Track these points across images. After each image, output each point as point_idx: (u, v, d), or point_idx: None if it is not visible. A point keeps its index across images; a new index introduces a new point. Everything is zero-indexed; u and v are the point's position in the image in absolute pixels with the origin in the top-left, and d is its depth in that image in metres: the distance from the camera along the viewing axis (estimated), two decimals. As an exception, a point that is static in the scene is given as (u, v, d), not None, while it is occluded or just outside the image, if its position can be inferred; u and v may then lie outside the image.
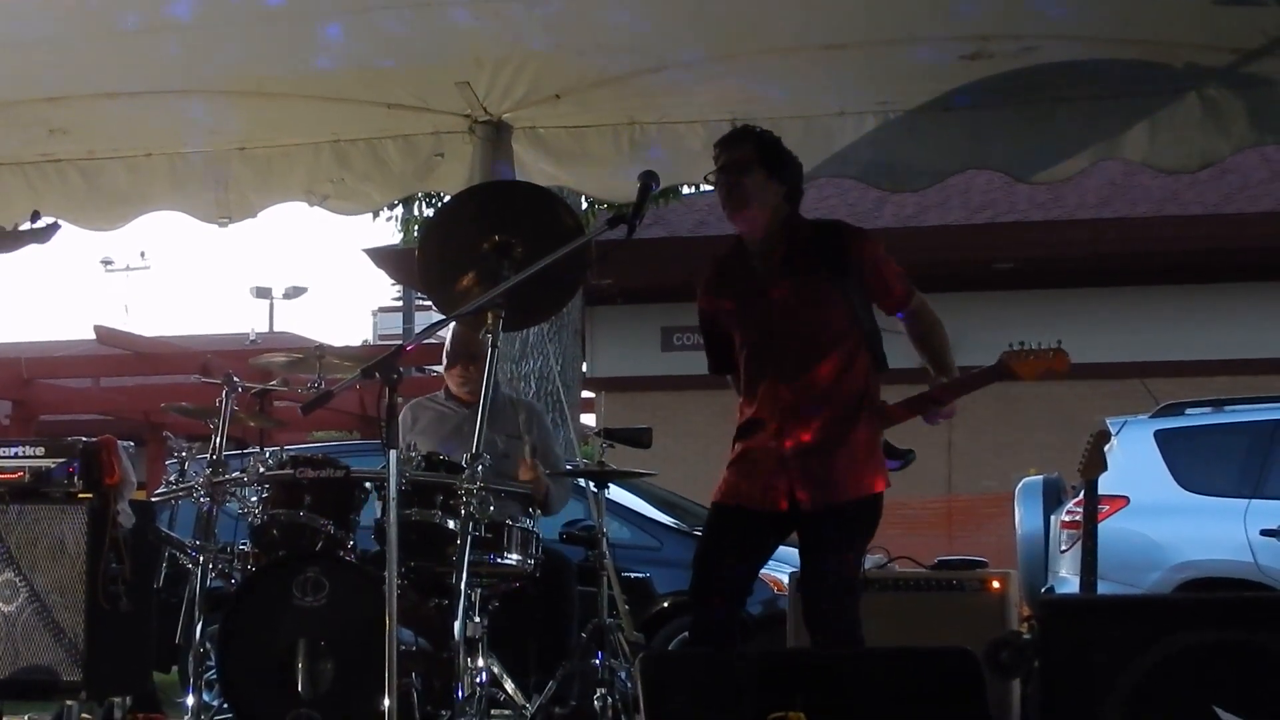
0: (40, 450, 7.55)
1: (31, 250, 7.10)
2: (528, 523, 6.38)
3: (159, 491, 6.91)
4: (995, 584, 6.78)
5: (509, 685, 6.43)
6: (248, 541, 6.34)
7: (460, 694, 5.72)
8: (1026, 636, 5.76)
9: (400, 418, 7.03)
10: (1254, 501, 9.78)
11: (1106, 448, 6.94)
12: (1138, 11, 6.31)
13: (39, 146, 7.67)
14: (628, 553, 9.52)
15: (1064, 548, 10.07)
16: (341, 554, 6.11)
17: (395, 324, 37.71)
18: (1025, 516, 11.01)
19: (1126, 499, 9.79)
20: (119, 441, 7.67)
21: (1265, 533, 9.58)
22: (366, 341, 42.35)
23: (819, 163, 7.17)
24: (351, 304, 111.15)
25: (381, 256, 20.58)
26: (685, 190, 17.60)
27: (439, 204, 12.82)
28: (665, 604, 9.80)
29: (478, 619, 6.13)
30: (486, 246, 5.97)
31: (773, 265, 5.62)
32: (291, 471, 6.22)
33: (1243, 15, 6.20)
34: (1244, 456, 10.12)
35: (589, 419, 20.01)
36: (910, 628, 6.57)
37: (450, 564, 5.84)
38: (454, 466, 6.10)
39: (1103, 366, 17.42)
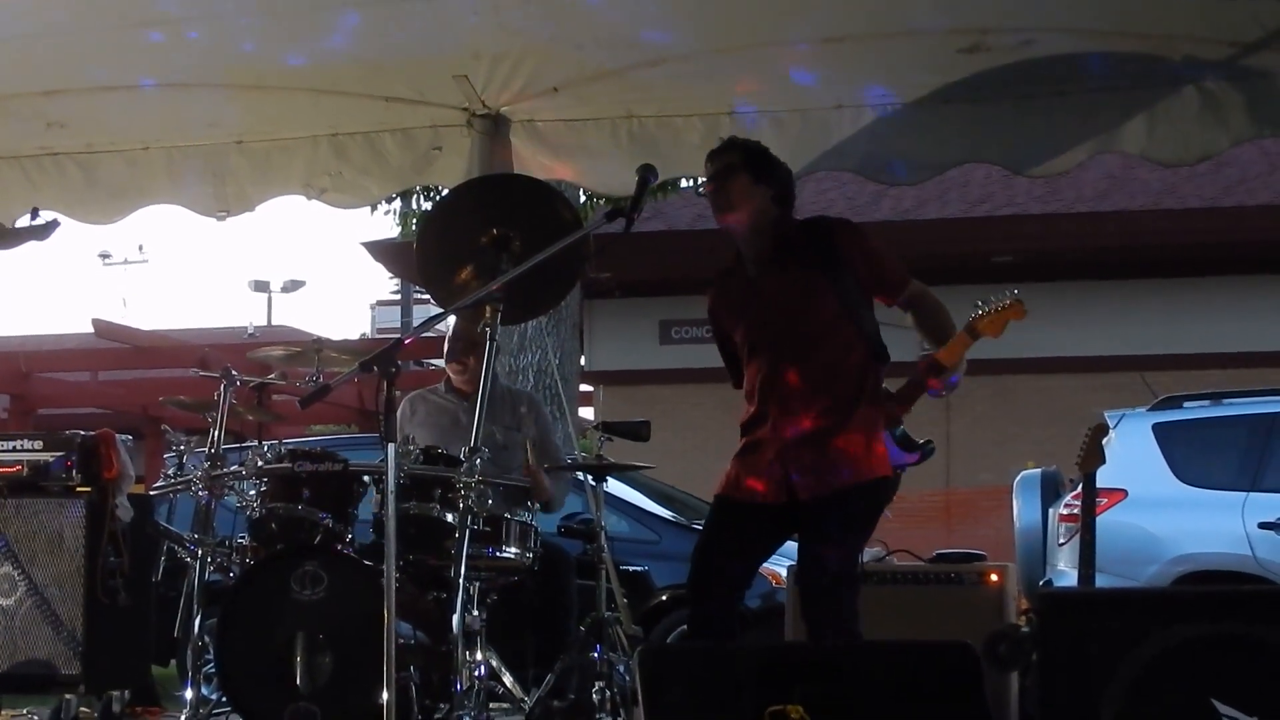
0: (38, 444, 7.56)
1: (32, 245, 7.10)
2: (526, 516, 6.39)
3: (157, 485, 6.91)
4: (993, 577, 6.78)
5: (507, 679, 6.43)
6: (246, 535, 6.34)
7: (459, 687, 5.73)
8: (1025, 629, 5.76)
9: (399, 411, 7.04)
10: (1252, 495, 9.78)
11: (1104, 441, 6.94)
12: (1135, 5, 6.32)
13: (37, 140, 7.67)
14: (626, 546, 9.50)
15: (1062, 541, 10.07)
16: (340, 547, 6.11)
17: (393, 317, 37.73)
18: (1023, 510, 11.01)
19: (1124, 492, 9.79)
20: (117, 435, 7.69)
21: (1263, 525, 9.58)
22: (364, 335, 42.42)
23: (817, 156, 7.18)
24: (349, 298, 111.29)
25: (380, 250, 20.57)
26: (683, 184, 17.62)
27: (437, 197, 12.83)
28: (664, 597, 9.80)
29: (476, 612, 6.14)
30: (485, 240, 5.97)
31: (762, 262, 5.66)
32: (290, 465, 6.21)
33: (1240, 8, 6.20)
34: (1242, 449, 10.12)
35: (587, 412, 19.99)
36: (908, 621, 6.57)
37: (449, 557, 5.85)
38: (452, 460, 6.10)
39: (1101, 360, 17.44)
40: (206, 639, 6.32)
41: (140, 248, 78.86)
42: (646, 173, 5.59)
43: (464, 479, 5.84)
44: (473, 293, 5.75)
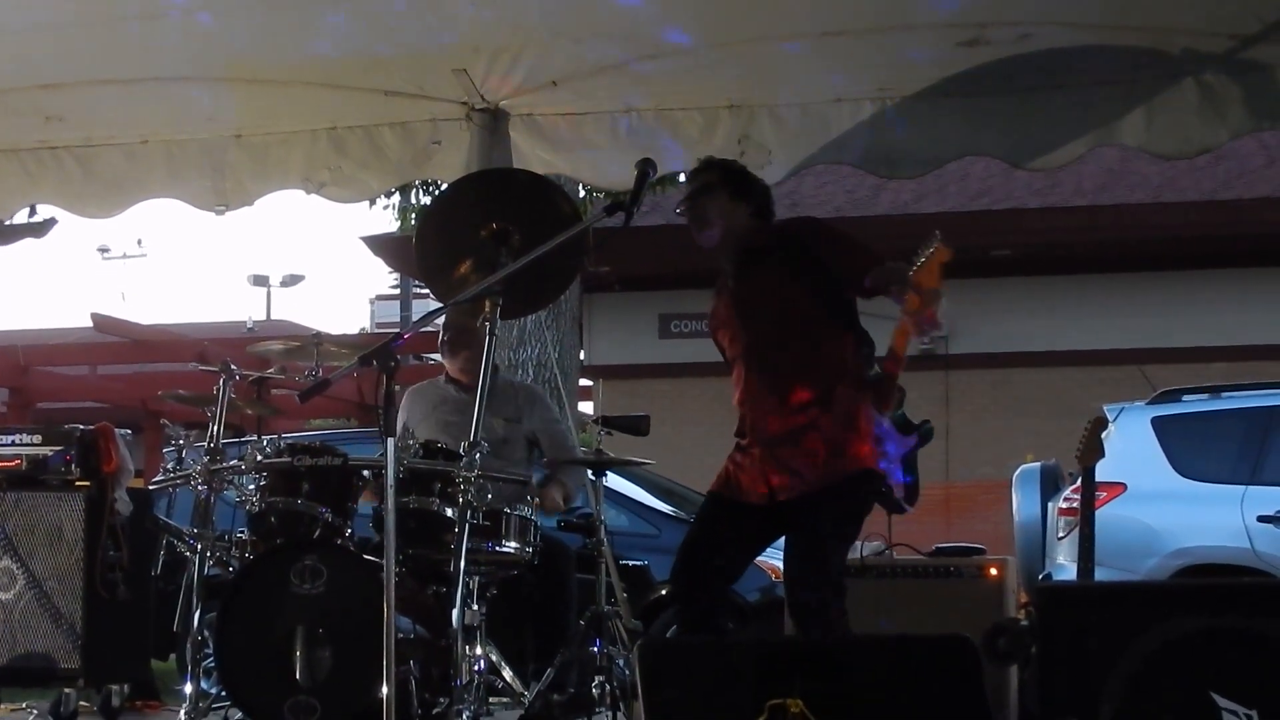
0: (38, 438, 7.56)
1: (29, 242, 7.10)
2: (526, 510, 6.39)
3: (156, 479, 6.92)
4: (993, 571, 6.79)
5: (507, 673, 6.43)
6: (245, 529, 6.34)
7: (458, 682, 5.73)
8: (1024, 623, 5.77)
9: (400, 403, 7.05)
10: (1251, 488, 9.78)
11: (1104, 434, 6.95)
12: (1134, -2, 6.33)
13: (36, 133, 7.66)
14: (626, 540, 9.50)
15: (1061, 535, 10.07)
16: (339, 542, 6.11)
17: (393, 312, 37.70)
18: (1023, 503, 11.01)
19: (1124, 486, 9.79)
20: (116, 429, 7.68)
21: (1262, 519, 9.58)
22: (364, 329, 42.33)
23: (816, 150, 7.19)
24: (349, 292, 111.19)
25: (379, 244, 20.57)
26: (682, 178, 17.60)
27: (436, 192, 12.82)
28: (663, 591, 9.79)
29: (476, 607, 6.14)
30: (484, 234, 5.97)
31: (739, 275, 5.74)
32: (289, 459, 6.21)
33: (1239, 1, 6.20)
34: (1241, 443, 10.12)
35: (587, 406, 20.00)
36: (908, 615, 6.58)
37: (448, 551, 5.85)
38: (452, 454, 6.10)
39: (1100, 353, 17.46)
40: (206, 633, 6.32)
41: (139, 242, 78.93)
42: (646, 166, 5.59)
43: (464, 473, 5.84)
44: (472, 287, 5.74)
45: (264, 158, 7.71)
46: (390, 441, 5.16)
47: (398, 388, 5.37)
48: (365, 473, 6.29)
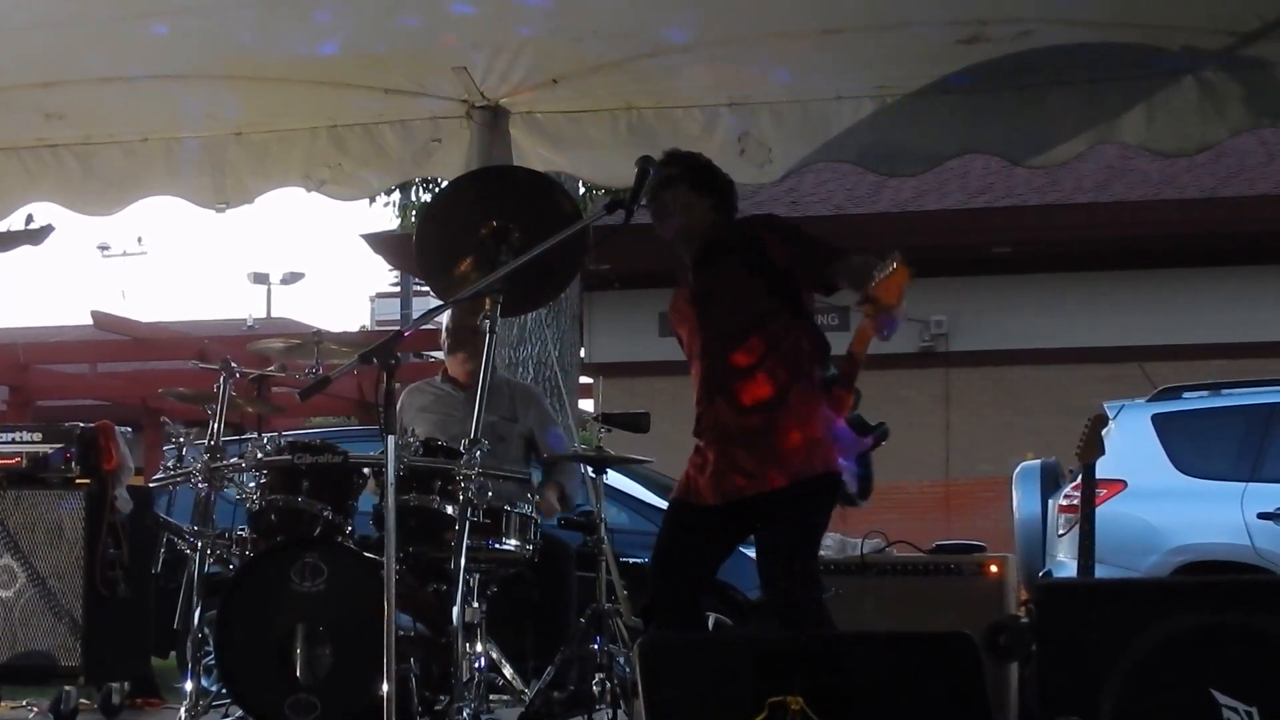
0: (38, 436, 7.58)
1: (27, 249, 7.09)
2: (526, 508, 6.38)
3: (157, 477, 6.91)
4: (993, 568, 6.80)
5: (507, 670, 6.43)
6: (246, 527, 6.34)
7: (459, 679, 5.73)
8: (1024, 620, 5.76)
9: (399, 402, 7.05)
10: (1251, 485, 9.78)
11: (1104, 431, 6.95)
12: (1134, -5, 6.33)
13: (35, 131, 7.66)
14: (626, 538, 9.49)
15: (1061, 532, 10.07)
16: (339, 539, 6.11)
17: (393, 310, 37.68)
18: (1023, 501, 11.01)
19: (1124, 483, 9.79)
20: (116, 427, 7.69)
21: (1262, 516, 9.58)
22: (364, 327, 42.36)
23: (816, 147, 7.18)
24: (349, 290, 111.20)
25: (379, 242, 20.57)
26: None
27: (436, 189, 12.82)
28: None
29: (476, 604, 6.13)
30: (484, 232, 5.97)
31: (698, 270, 5.74)
32: (289, 457, 6.21)
33: (1238, -1, 6.21)
34: (1241, 440, 10.12)
35: (587, 404, 20.00)
36: (908, 612, 6.59)
37: (448, 549, 5.85)
38: (452, 452, 6.10)
39: (1100, 350, 17.45)
40: (206, 631, 6.31)
41: (139, 239, 79.01)
42: (646, 164, 5.58)
43: (464, 471, 5.84)
44: (472, 285, 5.74)
45: (264, 155, 7.71)
46: (390, 439, 5.16)
47: (398, 385, 5.37)
48: (365, 470, 6.29)
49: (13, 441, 7.57)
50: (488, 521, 6.07)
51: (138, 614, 7.67)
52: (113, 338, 17.50)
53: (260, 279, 47.10)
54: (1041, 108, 6.89)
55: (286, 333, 8.24)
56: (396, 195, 18.31)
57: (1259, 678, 4.46)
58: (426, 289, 8.59)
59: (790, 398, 5.53)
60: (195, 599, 6.38)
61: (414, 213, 17.64)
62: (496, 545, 6.22)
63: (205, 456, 6.47)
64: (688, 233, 5.73)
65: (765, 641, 5.03)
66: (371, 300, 53.11)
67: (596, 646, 6.58)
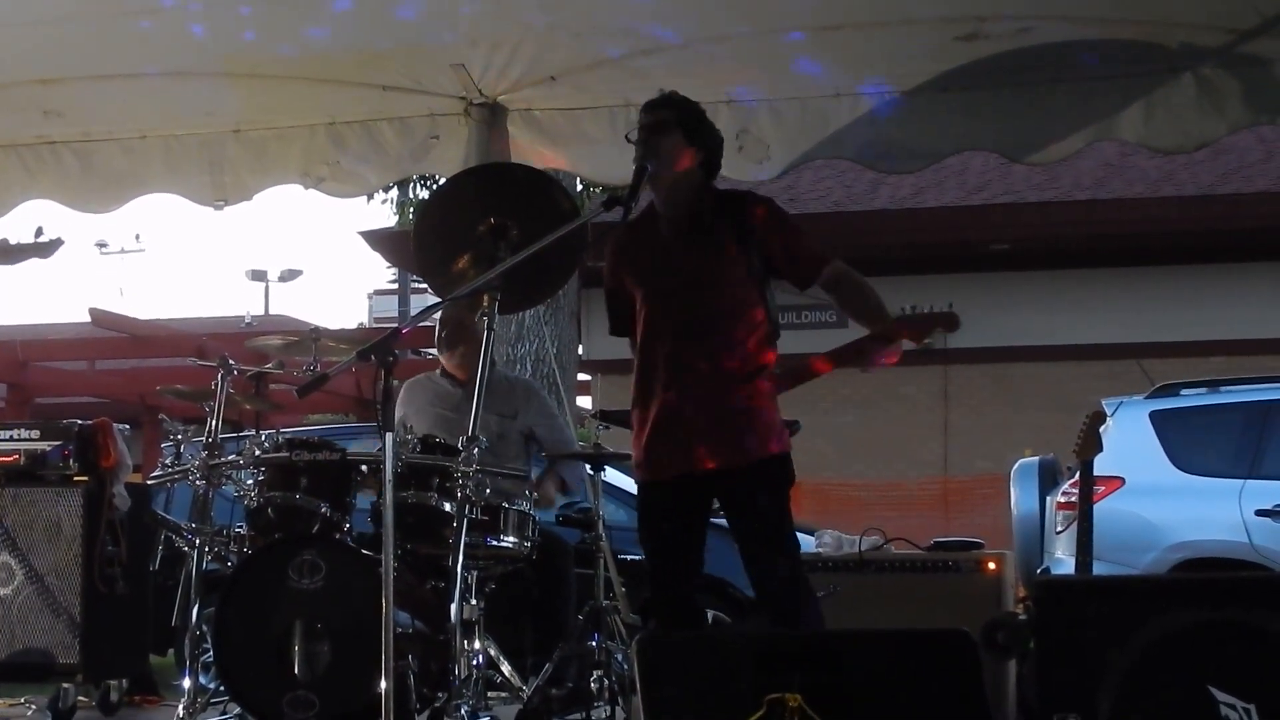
0: (36, 433, 7.58)
1: (35, 262, 7.09)
2: (524, 505, 6.38)
3: (155, 474, 6.91)
4: (991, 565, 6.80)
5: (505, 667, 6.44)
6: (244, 524, 6.34)
7: (457, 676, 5.73)
8: (1022, 617, 5.77)
9: (397, 397, 7.05)
10: (1249, 482, 9.78)
11: (1102, 429, 6.94)
12: (1133, -8, 6.33)
13: (34, 128, 7.66)
14: (624, 535, 9.47)
15: (1060, 529, 10.07)
16: (337, 536, 6.11)
17: (391, 307, 37.72)
18: (1021, 498, 11.01)
19: (1122, 480, 9.79)
20: (114, 424, 7.69)
21: (1260, 513, 9.59)
22: (362, 324, 42.39)
23: (815, 144, 7.18)
24: (347, 287, 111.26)
25: (377, 239, 20.57)
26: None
27: (434, 186, 12.82)
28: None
29: (474, 601, 6.15)
30: (482, 229, 5.96)
31: (679, 229, 5.62)
32: (287, 454, 6.22)
33: (1237, -5, 6.21)
34: (1239, 437, 10.12)
35: (585, 401, 19.99)
36: (906, 609, 6.59)
37: (447, 546, 5.85)
38: (450, 449, 6.10)
39: (1098, 347, 17.46)
40: (204, 628, 6.32)
41: (137, 237, 79.07)
42: (644, 161, 5.57)
43: (462, 468, 5.84)
44: (470, 281, 5.74)
45: (262, 152, 7.71)
46: (388, 436, 5.16)
47: (395, 382, 5.37)
48: (364, 468, 6.29)
49: (11, 439, 7.58)
50: (486, 518, 6.08)
51: (136, 611, 7.67)
52: (111, 335, 17.51)
53: (258, 276, 47.15)
54: (1040, 105, 6.88)
55: (284, 330, 8.24)
56: (394, 192, 18.32)
57: (1257, 675, 4.46)
58: (424, 286, 8.58)
59: (755, 379, 5.52)
60: (193, 596, 6.38)
61: (412, 210, 17.65)
62: (495, 542, 6.22)
63: (203, 454, 6.48)
64: (675, 189, 5.63)
65: (764, 638, 5.03)
66: (369, 297, 53.19)
67: (595, 643, 6.59)
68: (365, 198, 17.13)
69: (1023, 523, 10.85)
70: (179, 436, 6.82)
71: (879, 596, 6.66)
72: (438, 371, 7.36)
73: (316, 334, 6.80)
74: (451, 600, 5.71)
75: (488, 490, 5.94)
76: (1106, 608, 4.68)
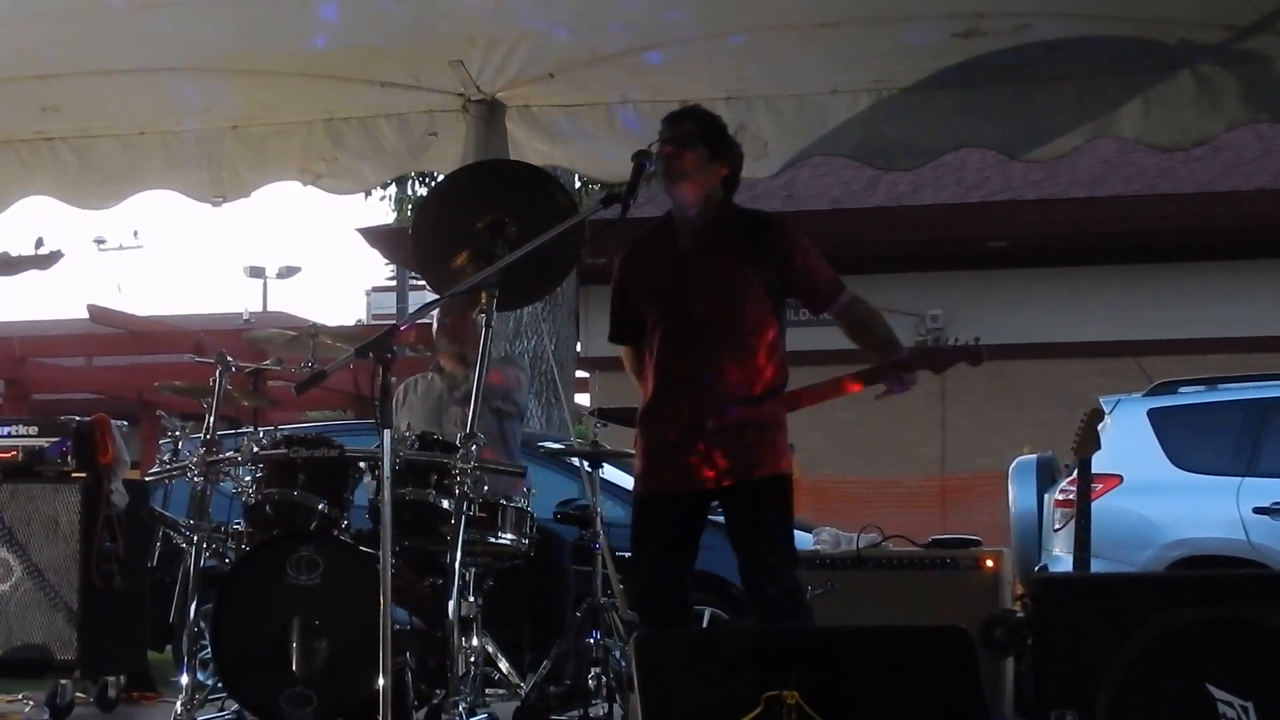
0: (34, 429, 7.57)
1: (34, 274, 7.09)
2: (522, 502, 6.38)
3: (153, 471, 6.92)
4: (989, 562, 6.80)
5: (503, 664, 6.44)
6: (242, 520, 6.35)
7: (455, 673, 5.74)
8: (1020, 614, 5.77)
9: (396, 394, 7.04)
10: (1247, 479, 9.77)
11: (1100, 426, 6.94)
12: (1131, -11, 6.33)
13: (32, 124, 7.66)
14: (622, 532, 9.47)
15: (1057, 526, 10.06)
16: (335, 533, 6.11)
17: (389, 303, 37.74)
18: (1019, 495, 11.00)
19: (1120, 477, 9.78)
20: (112, 421, 7.68)
21: (1258, 510, 9.58)
22: (360, 321, 42.42)
23: (812, 141, 7.18)
24: (345, 283, 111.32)
25: (375, 236, 20.56)
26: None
27: (433, 183, 12.81)
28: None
29: (472, 598, 6.15)
30: (480, 225, 5.96)
31: (700, 247, 5.58)
32: (285, 451, 6.22)
33: (1235, -8, 6.21)
34: (1237, 434, 10.11)
35: (583, 399, 19.98)
36: (904, 606, 6.59)
37: (445, 543, 5.85)
38: (448, 446, 6.10)
39: (1096, 345, 17.45)
40: (202, 624, 6.32)
41: (135, 233, 78.86)
42: (642, 158, 5.55)
43: (460, 465, 5.84)
44: (468, 278, 5.74)
45: (260, 149, 7.70)
46: (387, 433, 5.15)
47: (394, 379, 5.37)
48: (361, 464, 6.29)
49: (9, 435, 7.57)
50: (484, 515, 6.08)
51: (134, 607, 7.67)
52: (109, 331, 17.50)
53: (256, 273, 47.12)
54: (1038, 102, 6.89)
55: (283, 327, 8.23)
56: (393, 189, 18.35)
57: (1255, 672, 4.46)
58: (422, 283, 8.58)
59: (770, 398, 5.52)
60: (191, 592, 6.39)
61: (410, 206, 17.65)
62: (493, 539, 6.22)
63: (201, 450, 6.48)
64: (696, 202, 5.59)
65: (761, 636, 5.03)
66: (367, 294, 53.22)
67: (592, 640, 6.60)
68: (363, 194, 17.18)
69: (1021, 520, 10.84)
70: (177, 433, 6.82)
71: (877, 594, 6.66)
72: (431, 370, 7.34)
73: (314, 331, 6.80)
74: (449, 597, 5.72)
75: (485, 487, 5.94)
76: (1104, 605, 4.69)
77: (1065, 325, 17.84)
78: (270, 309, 43.92)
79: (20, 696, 7.80)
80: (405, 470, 6.02)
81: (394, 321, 7.17)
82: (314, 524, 6.11)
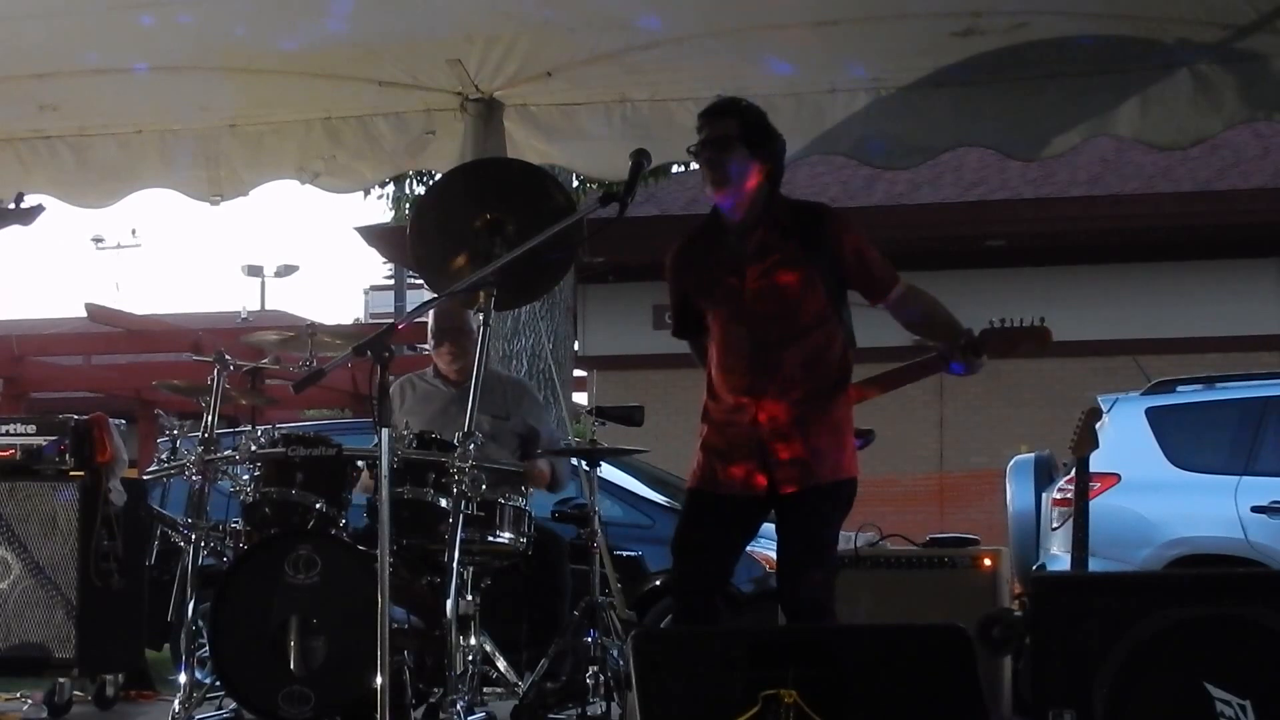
0: (32, 428, 7.56)
1: (16, 230, 7.08)
2: (520, 501, 6.38)
3: (151, 469, 6.91)
4: (987, 561, 6.79)
5: (501, 663, 6.44)
6: (240, 519, 6.34)
7: (452, 672, 5.74)
8: (1018, 613, 5.77)
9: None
10: (1245, 478, 9.78)
11: (1098, 425, 6.95)
12: (1128, -13, 6.33)
13: (29, 123, 7.66)
14: (620, 531, 9.50)
15: (1055, 525, 10.07)
16: (333, 532, 6.11)
17: (387, 302, 37.78)
18: (1017, 494, 11.00)
19: (1118, 476, 9.79)
20: (110, 419, 7.68)
21: (1256, 509, 9.58)
22: (358, 320, 42.41)
23: (811, 140, 7.17)
24: (343, 282, 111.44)
25: (373, 235, 20.57)
26: (675, 169, 17.58)
27: (430, 182, 12.80)
28: (657, 582, 9.78)
29: (470, 597, 6.14)
30: (478, 224, 5.96)
31: (750, 245, 5.46)
32: (283, 449, 6.21)
33: (1233, -9, 6.22)
34: (1235, 433, 10.11)
35: (581, 397, 20.01)
36: (902, 605, 6.58)
37: (442, 542, 5.85)
38: (446, 445, 6.10)
39: (1094, 344, 17.45)
40: (200, 623, 6.32)
41: (133, 232, 78.88)
42: (640, 157, 5.53)
43: (458, 464, 5.84)
44: (466, 277, 5.73)
45: (258, 148, 7.71)
46: (385, 432, 5.15)
47: (392, 378, 5.37)
48: (360, 463, 6.29)
49: (7, 433, 7.55)
50: (481, 514, 6.07)
51: (132, 606, 7.66)
52: (107, 330, 17.51)
53: (254, 271, 47.16)
54: (1036, 101, 6.89)
55: (281, 325, 8.24)
56: (390, 188, 18.31)
57: (1253, 671, 4.46)
58: (420, 281, 8.58)
59: (831, 397, 5.43)
60: (189, 591, 6.38)
61: (408, 205, 17.64)
62: (490, 538, 6.22)
63: (199, 449, 6.48)
64: (744, 204, 5.44)
65: (759, 634, 5.02)
66: (365, 293, 53.24)
67: (590, 639, 6.59)
68: (361, 193, 17.10)
69: (1018, 519, 10.84)
70: (175, 431, 6.81)
71: (874, 592, 6.65)
72: (429, 371, 7.32)
73: (312, 329, 6.79)
74: (447, 595, 5.72)
75: (483, 486, 5.94)
76: (1102, 604, 4.68)
77: (1063, 324, 17.64)
78: (268, 308, 43.97)
79: (18, 695, 7.80)
80: (403, 469, 6.01)
81: (392, 320, 7.16)
82: (312, 523, 6.10)
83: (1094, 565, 6.94)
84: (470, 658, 6.09)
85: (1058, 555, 9.81)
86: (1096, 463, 6.92)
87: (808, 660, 4.59)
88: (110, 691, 7.78)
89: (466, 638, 6.03)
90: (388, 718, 4.96)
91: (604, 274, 18.00)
